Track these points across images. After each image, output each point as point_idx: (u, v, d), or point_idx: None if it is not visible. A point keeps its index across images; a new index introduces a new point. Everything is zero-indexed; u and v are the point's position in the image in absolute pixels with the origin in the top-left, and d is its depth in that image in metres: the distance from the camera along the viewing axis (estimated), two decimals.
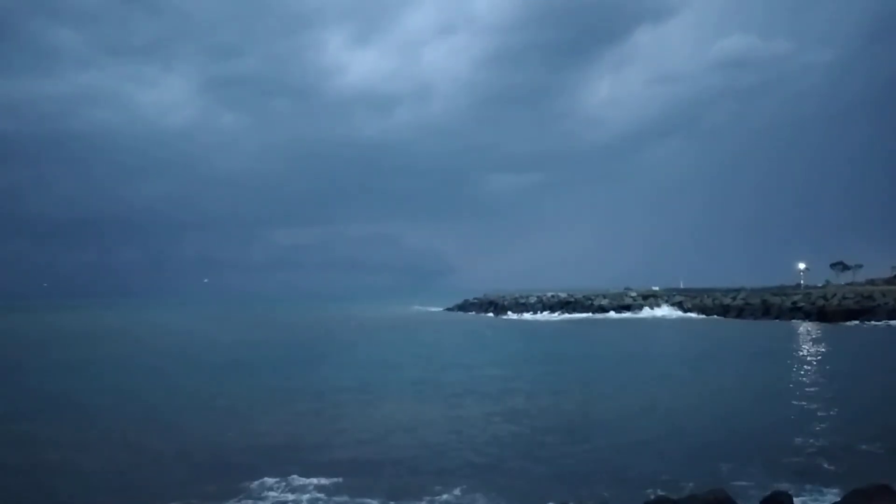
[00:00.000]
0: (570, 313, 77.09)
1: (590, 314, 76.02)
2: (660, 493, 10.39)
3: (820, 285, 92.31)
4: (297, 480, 12.72)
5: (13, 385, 26.75)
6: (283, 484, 12.58)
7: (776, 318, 65.30)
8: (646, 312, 75.17)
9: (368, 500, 11.77)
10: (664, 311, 75.85)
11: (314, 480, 12.74)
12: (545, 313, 78.79)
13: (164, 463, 14.30)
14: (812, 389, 23.42)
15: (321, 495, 12.06)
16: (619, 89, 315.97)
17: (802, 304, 66.48)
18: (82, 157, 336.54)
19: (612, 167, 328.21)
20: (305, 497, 11.99)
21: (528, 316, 78.31)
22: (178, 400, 22.03)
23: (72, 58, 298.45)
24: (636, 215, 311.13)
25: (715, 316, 71.25)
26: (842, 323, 58.00)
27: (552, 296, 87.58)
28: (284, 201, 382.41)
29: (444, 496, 11.76)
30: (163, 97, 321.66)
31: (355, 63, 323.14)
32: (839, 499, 9.03)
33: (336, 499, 11.83)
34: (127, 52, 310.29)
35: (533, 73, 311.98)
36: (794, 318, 63.73)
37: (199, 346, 43.96)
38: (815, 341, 43.25)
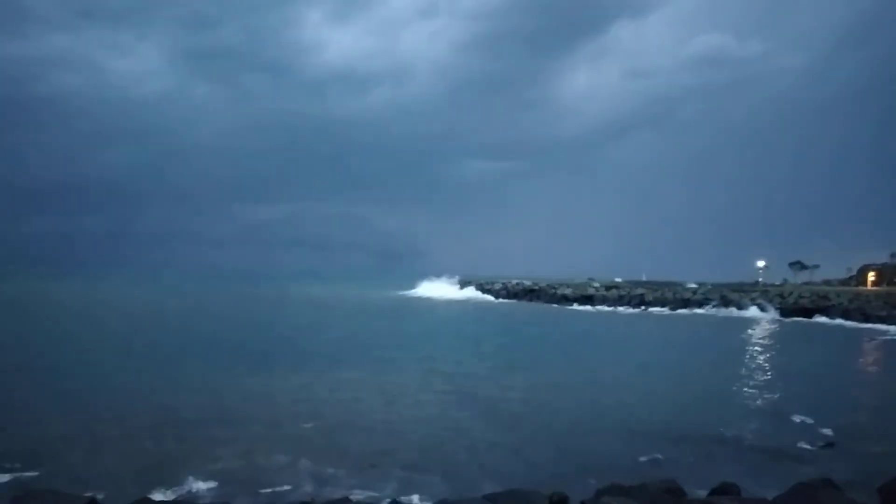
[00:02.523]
0: (533, 301, 77.45)
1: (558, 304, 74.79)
2: (612, 481, 10.45)
3: (778, 283, 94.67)
4: (285, 474, 12.30)
5: None
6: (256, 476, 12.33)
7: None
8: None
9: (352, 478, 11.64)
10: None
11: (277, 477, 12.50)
12: (511, 301, 79.00)
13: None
14: (761, 383, 23.94)
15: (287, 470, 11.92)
16: (595, 81, 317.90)
17: (760, 300, 68.26)
18: (48, 123, 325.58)
19: (583, 158, 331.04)
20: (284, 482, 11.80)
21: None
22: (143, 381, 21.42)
23: (42, 19, 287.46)
24: (604, 207, 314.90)
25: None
26: (797, 319, 59.90)
27: (517, 283, 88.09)
28: (253, 176, 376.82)
29: (389, 489, 11.54)
30: (135, 65, 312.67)
31: (333, 41, 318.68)
32: (783, 491, 9.20)
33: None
34: (100, 16, 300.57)
35: (511, 61, 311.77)
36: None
37: (158, 326, 43.02)
38: (769, 336, 44.34)
